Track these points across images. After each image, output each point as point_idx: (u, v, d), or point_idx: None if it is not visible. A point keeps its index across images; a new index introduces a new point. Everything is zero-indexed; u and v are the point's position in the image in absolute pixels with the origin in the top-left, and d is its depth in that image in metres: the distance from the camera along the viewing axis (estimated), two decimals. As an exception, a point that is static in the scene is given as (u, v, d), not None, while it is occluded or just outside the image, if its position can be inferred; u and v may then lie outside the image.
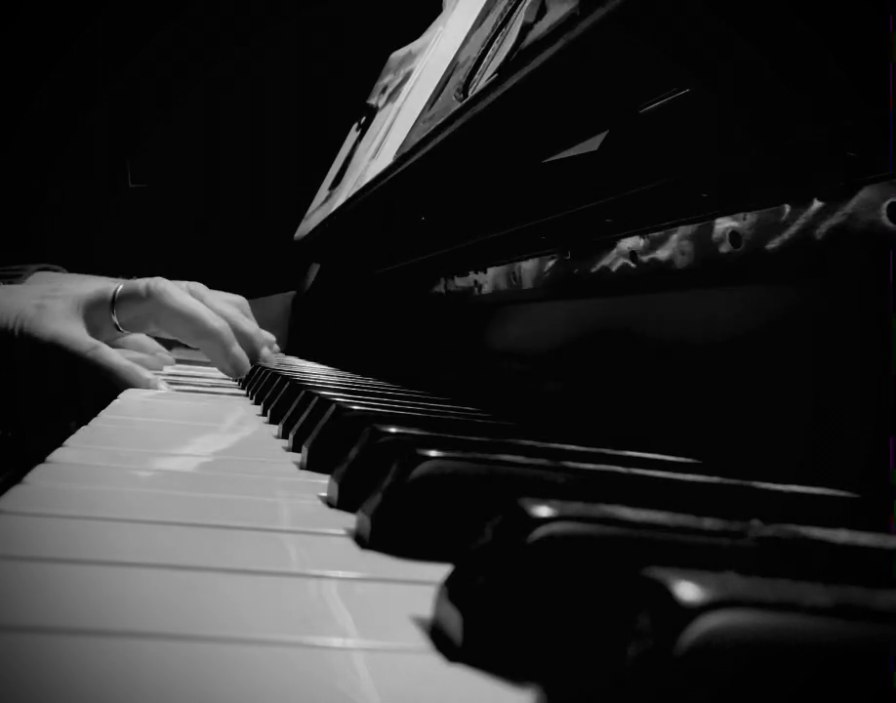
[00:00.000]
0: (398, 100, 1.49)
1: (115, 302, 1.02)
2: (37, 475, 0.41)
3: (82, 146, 2.42)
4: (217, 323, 1.04)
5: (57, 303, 1.03)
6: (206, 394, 0.97)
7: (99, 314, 1.02)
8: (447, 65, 1.14)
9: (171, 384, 1.03)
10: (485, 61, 0.87)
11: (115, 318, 1.02)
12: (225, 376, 1.19)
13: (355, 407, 0.54)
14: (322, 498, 0.43)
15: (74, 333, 1.00)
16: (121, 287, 1.03)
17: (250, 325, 1.15)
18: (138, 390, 0.91)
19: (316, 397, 0.59)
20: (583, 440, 0.46)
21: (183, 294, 1.05)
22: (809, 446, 0.44)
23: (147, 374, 0.99)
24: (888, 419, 0.38)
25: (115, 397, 0.80)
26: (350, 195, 1.48)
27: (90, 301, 1.03)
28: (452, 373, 1.00)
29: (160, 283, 1.04)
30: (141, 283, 1.04)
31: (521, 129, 0.81)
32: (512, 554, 0.24)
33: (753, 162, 0.50)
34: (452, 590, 0.25)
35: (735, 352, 0.51)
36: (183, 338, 1.05)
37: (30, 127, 2.34)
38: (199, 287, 1.12)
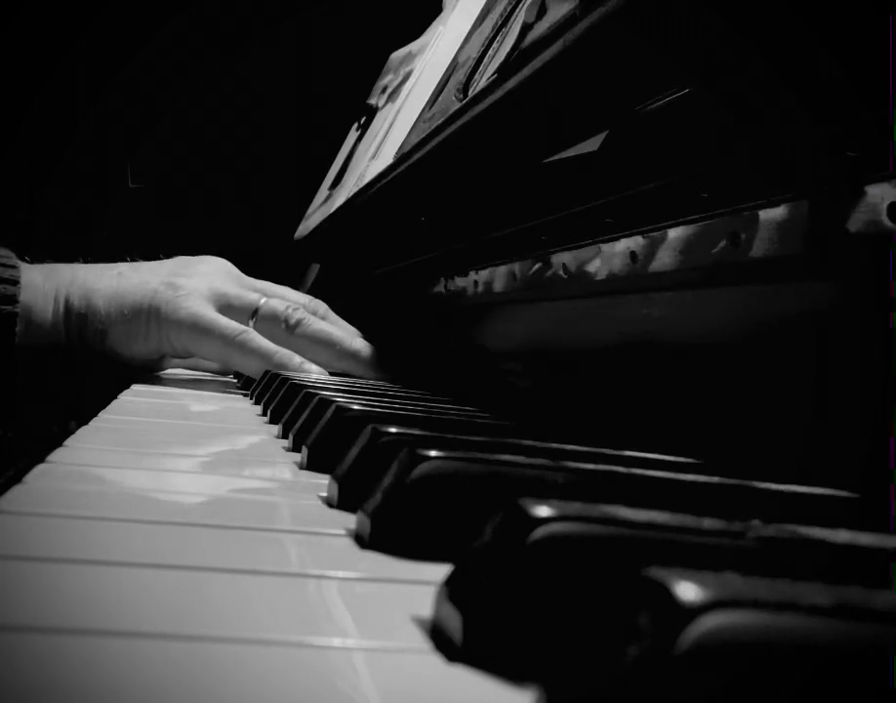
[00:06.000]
0: (398, 100, 1.49)
1: (254, 317, 1.01)
2: (37, 476, 0.41)
3: (81, 147, 2.42)
4: (356, 343, 1.04)
5: (192, 282, 1.00)
6: (205, 395, 0.97)
7: (233, 317, 1.00)
8: (447, 65, 1.13)
9: (168, 384, 1.03)
10: (485, 60, 0.87)
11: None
12: (223, 376, 1.19)
13: (355, 407, 0.54)
14: (322, 498, 0.43)
15: (216, 315, 0.98)
16: (265, 308, 1.01)
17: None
18: (137, 390, 0.91)
19: (316, 397, 0.59)
20: (583, 440, 0.46)
21: (319, 321, 1.04)
22: (809, 446, 0.44)
23: (298, 358, 0.98)
24: (888, 419, 0.38)
25: (115, 397, 0.80)
26: (350, 195, 1.48)
27: (228, 299, 1.01)
28: (452, 373, 1.00)
29: (297, 313, 1.02)
30: (280, 313, 1.01)
31: (521, 129, 0.81)
32: (513, 554, 0.24)
33: (753, 162, 0.50)
34: (452, 590, 0.25)
35: (735, 352, 0.51)
36: (323, 363, 1.02)
37: (30, 127, 2.34)
38: (320, 306, 1.10)
